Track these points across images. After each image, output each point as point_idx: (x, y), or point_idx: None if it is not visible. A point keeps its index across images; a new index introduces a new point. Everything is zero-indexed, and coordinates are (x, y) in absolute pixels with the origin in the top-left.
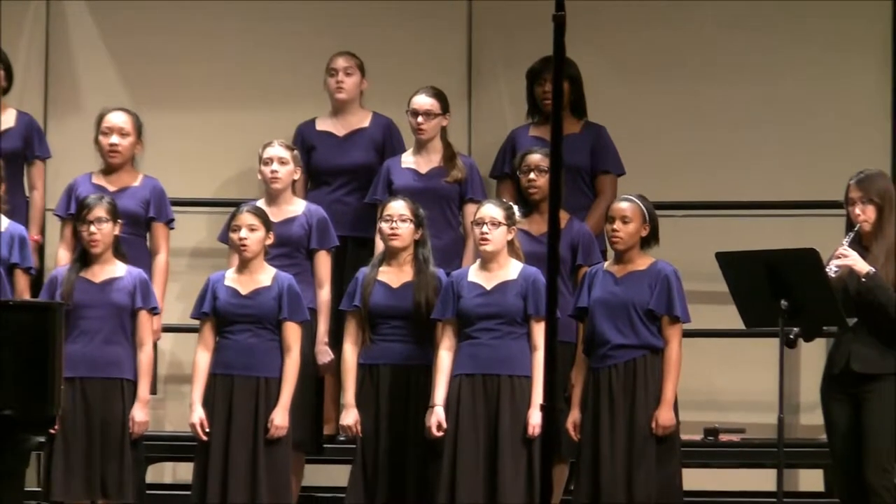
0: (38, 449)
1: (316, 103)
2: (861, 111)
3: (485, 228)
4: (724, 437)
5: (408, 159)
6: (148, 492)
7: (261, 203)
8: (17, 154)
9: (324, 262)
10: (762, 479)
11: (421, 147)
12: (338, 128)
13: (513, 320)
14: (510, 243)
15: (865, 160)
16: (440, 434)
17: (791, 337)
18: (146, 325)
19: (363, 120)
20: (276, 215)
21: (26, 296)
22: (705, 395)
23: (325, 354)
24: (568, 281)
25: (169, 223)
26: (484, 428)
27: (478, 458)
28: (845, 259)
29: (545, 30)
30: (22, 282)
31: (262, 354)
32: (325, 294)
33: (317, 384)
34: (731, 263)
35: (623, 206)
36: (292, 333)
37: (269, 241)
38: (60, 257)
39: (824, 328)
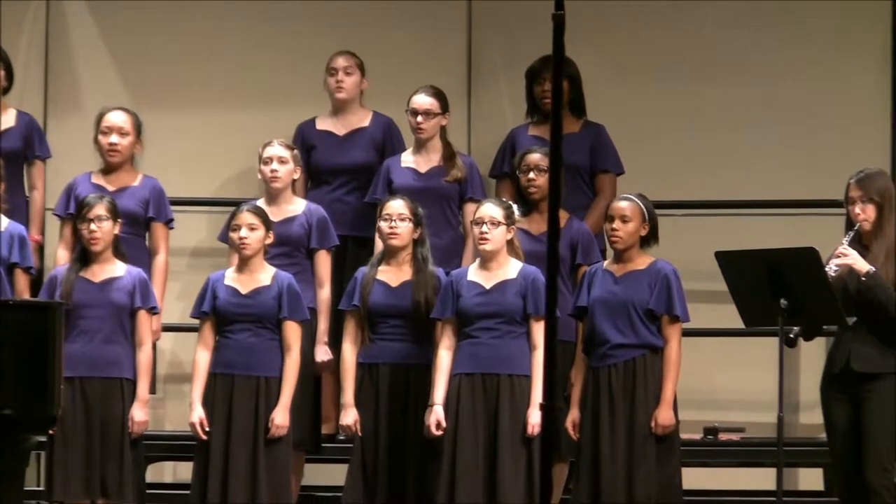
0: (38, 449)
1: (316, 103)
2: (861, 111)
3: (484, 228)
4: (723, 437)
5: (407, 159)
6: (148, 491)
7: (261, 202)
8: (17, 154)
9: (324, 262)
10: (762, 479)
11: (420, 146)
12: (338, 127)
13: (512, 319)
14: (510, 242)
15: (865, 160)
16: (439, 433)
17: (791, 336)
18: (145, 324)
19: (363, 119)
20: (275, 215)
21: (26, 295)
22: (705, 395)
23: (324, 354)
24: (567, 280)
25: (168, 223)
26: (483, 427)
27: (477, 458)
28: (845, 258)
29: (545, 29)
30: (22, 281)
31: (262, 354)
32: (325, 293)
33: (314, 383)
34: (730, 263)
35: (622, 205)
36: (292, 333)
37: (269, 241)
38: (60, 257)
39: (824, 327)
